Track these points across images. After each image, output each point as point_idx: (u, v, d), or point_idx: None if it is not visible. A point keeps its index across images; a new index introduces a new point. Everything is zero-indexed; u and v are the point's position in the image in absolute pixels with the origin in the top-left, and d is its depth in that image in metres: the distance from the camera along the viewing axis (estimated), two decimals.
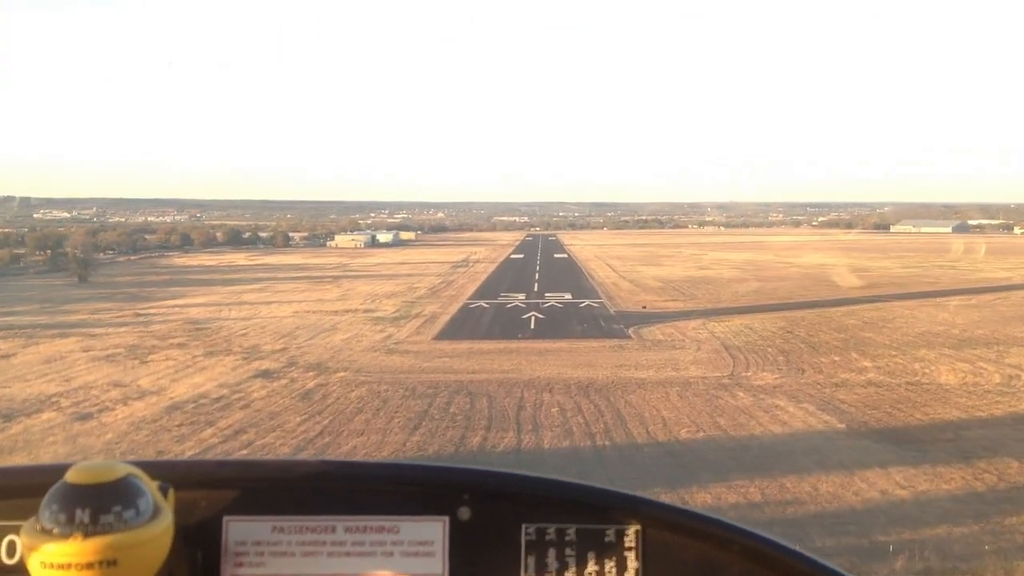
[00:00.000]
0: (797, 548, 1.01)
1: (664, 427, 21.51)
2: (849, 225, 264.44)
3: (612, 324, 41.63)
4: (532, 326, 41.17)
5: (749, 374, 28.33)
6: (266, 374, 28.57)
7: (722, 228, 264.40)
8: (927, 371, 28.62)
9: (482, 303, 51.08)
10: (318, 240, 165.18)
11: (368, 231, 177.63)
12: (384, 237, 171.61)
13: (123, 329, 40.06)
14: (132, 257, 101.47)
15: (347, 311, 47.15)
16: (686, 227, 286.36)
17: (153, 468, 0.97)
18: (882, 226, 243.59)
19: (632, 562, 1.03)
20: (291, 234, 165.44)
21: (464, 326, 41.30)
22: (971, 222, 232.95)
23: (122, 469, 0.89)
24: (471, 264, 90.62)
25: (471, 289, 61.11)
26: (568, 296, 55.24)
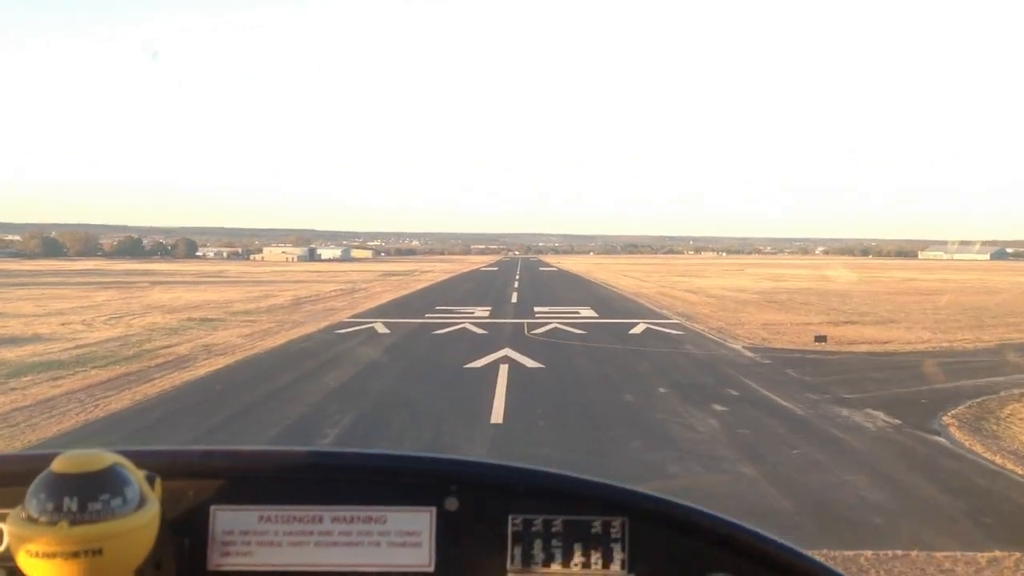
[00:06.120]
0: (781, 540, 0.97)
1: None
2: (864, 253, 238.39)
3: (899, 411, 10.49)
4: (500, 418, 9.77)
5: None
6: None
7: (723, 255, 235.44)
8: None
9: (376, 325, 19.87)
10: (247, 254, 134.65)
11: (310, 247, 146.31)
12: (329, 253, 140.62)
13: None
14: None
15: None
16: (681, 253, 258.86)
17: (140, 457, 0.93)
18: (906, 254, 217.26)
19: (618, 553, 1.00)
20: (211, 247, 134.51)
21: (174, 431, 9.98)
22: (1008, 249, 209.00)
23: (109, 458, 0.85)
24: (414, 275, 59.31)
25: (382, 300, 29.86)
26: (589, 312, 24.21)
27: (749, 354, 15.11)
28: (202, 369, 12.91)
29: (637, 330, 19.17)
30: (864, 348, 16.23)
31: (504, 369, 12.71)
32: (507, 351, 14.63)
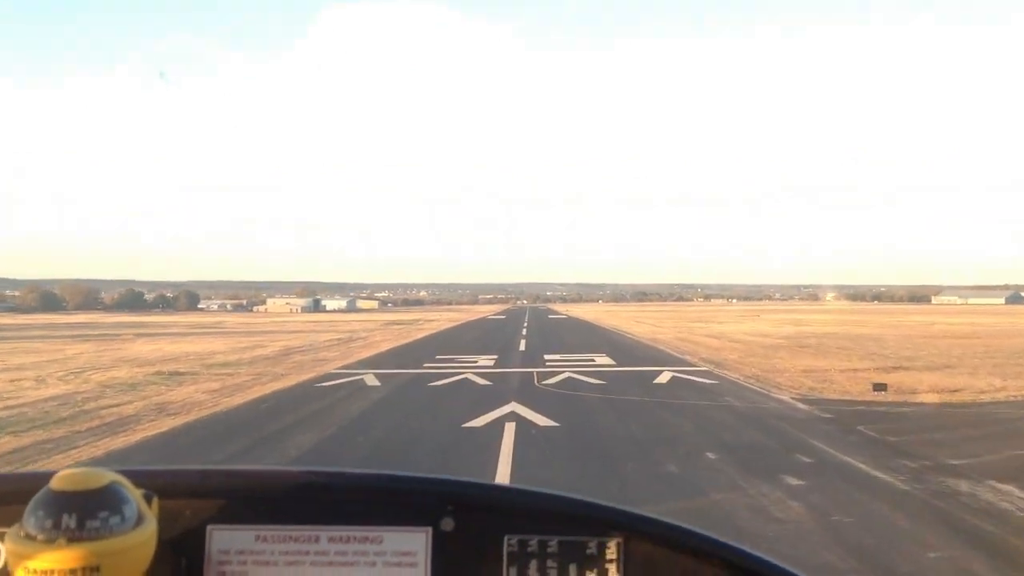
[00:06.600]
0: (777, 562, 0.96)
1: None
2: (875, 298, 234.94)
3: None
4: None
5: None
6: None
7: (733, 301, 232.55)
8: None
9: (366, 377, 17.58)
10: (251, 306, 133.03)
11: (315, 298, 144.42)
12: (334, 303, 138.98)
13: None
14: None
15: None
16: (691, 300, 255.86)
17: (137, 476, 0.92)
18: (919, 298, 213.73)
19: (614, 574, 0.99)
20: (216, 300, 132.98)
21: None
22: (1022, 293, 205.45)
23: (107, 477, 0.85)
24: (418, 324, 57.11)
25: (379, 349, 27.58)
26: (605, 360, 21.84)
27: (802, 406, 12.68)
28: (139, 434, 10.58)
29: (663, 379, 16.77)
30: (934, 397, 13.78)
31: (510, 429, 10.34)
32: (514, 406, 12.26)
